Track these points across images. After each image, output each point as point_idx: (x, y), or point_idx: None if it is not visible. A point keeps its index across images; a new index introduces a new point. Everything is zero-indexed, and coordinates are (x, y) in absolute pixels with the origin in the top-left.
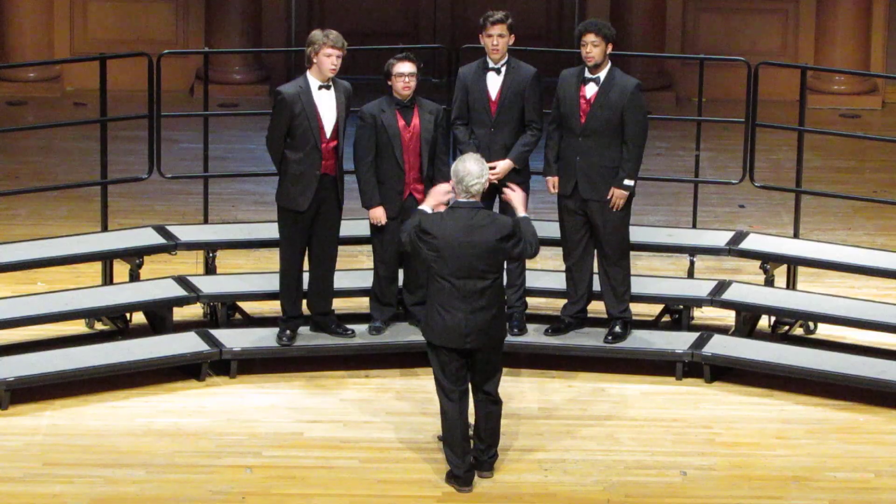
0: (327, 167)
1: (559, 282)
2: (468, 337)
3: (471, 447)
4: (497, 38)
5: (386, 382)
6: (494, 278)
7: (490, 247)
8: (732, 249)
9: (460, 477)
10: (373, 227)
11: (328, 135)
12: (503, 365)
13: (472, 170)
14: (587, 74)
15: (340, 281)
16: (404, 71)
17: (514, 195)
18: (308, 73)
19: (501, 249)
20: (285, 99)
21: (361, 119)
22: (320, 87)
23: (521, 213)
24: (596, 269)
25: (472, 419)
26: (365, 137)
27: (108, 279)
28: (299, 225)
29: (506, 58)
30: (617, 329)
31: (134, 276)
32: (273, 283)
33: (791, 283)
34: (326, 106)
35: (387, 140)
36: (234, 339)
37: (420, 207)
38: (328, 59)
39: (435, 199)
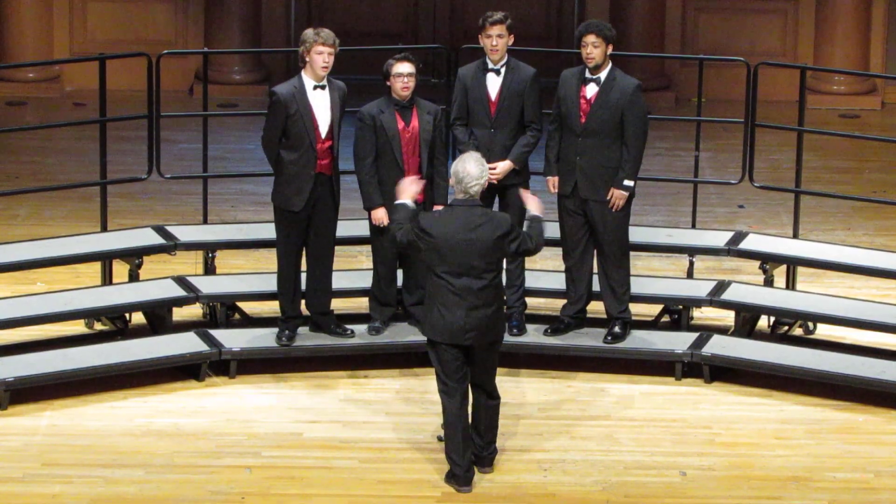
0: (323, 167)
1: (559, 282)
2: (468, 334)
3: (471, 445)
4: (496, 39)
5: (385, 382)
6: (493, 277)
7: (489, 244)
8: (732, 250)
9: (460, 476)
10: (373, 227)
11: (323, 135)
12: (501, 364)
13: (472, 171)
14: (588, 75)
15: (340, 281)
16: (403, 71)
17: (528, 195)
18: (302, 73)
19: (500, 247)
20: (280, 99)
21: (361, 120)
22: (315, 87)
23: (533, 211)
24: (595, 269)
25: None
26: (364, 138)
27: (107, 279)
28: (296, 225)
29: (505, 58)
30: (616, 329)
31: (133, 277)
32: (272, 284)
33: (790, 284)
34: (321, 106)
35: (386, 141)
36: (234, 339)
37: (400, 202)
38: (319, 56)
39: (409, 193)
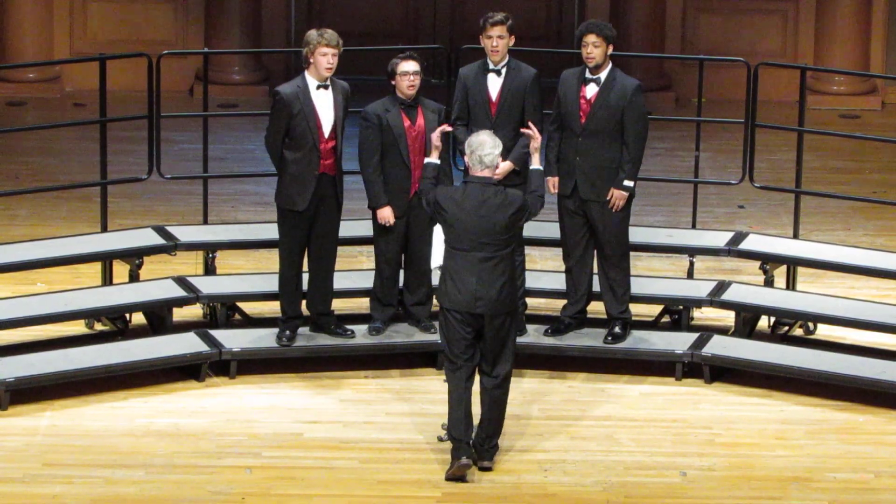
0: (326, 167)
1: (559, 282)
2: (479, 301)
3: (472, 425)
4: (497, 40)
5: (386, 383)
6: (506, 252)
7: (502, 223)
8: (732, 250)
9: (461, 455)
10: (377, 227)
11: (326, 134)
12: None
13: (486, 140)
14: (588, 75)
15: (340, 281)
16: (409, 69)
17: (535, 141)
18: (306, 73)
19: (514, 222)
20: (284, 99)
21: (365, 119)
22: (318, 87)
23: (534, 164)
24: (596, 269)
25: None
26: (370, 138)
27: (107, 279)
28: (298, 225)
29: (506, 59)
30: (616, 329)
31: (133, 277)
32: (273, 284)
33: (791, 284)
34: (325, 106)
35: (392, 140)
36: (234, 339)
37: (428, 161)
38: (324, 58)
39: (434, 150)
